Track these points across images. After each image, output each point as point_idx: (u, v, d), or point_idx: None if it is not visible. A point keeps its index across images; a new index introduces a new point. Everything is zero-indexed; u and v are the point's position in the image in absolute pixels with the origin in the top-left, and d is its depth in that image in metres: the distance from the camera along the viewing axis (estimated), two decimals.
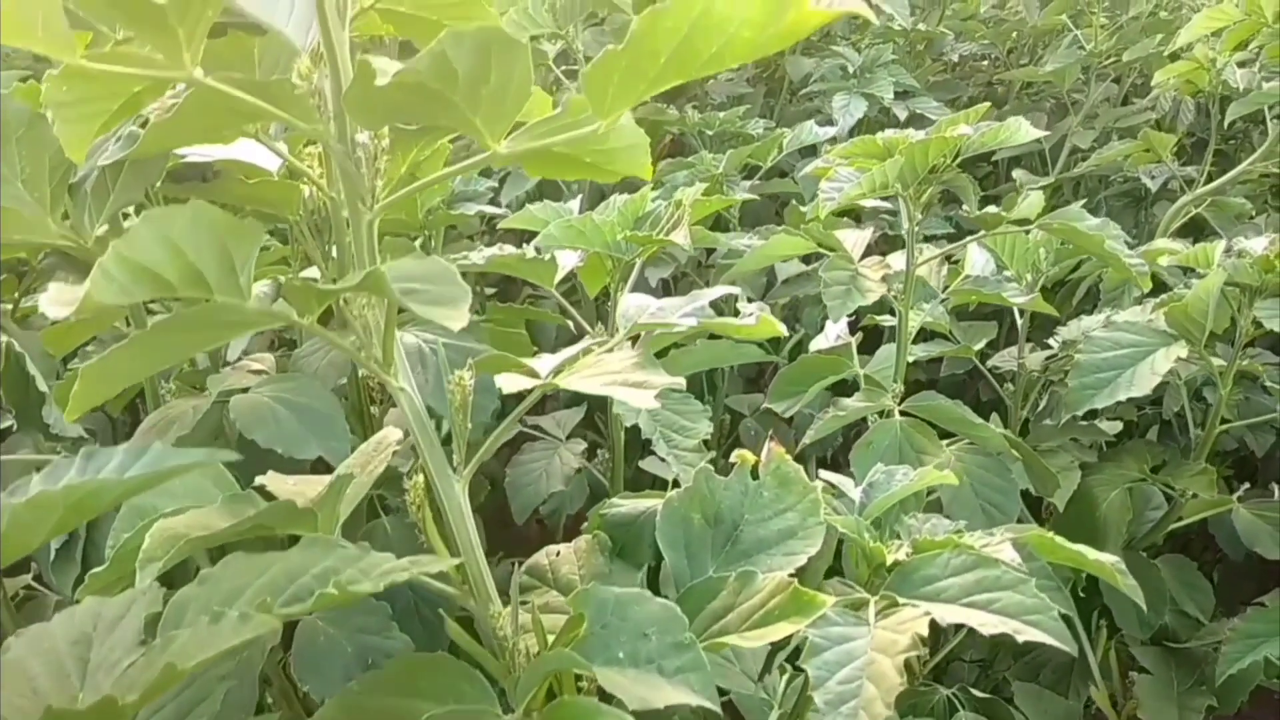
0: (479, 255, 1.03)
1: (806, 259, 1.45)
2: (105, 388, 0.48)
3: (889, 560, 0.58)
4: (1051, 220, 0.97)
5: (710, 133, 1.80)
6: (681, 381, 0.52)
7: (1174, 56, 1.82)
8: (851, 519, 0.63)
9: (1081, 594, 1.24)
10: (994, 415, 1.27)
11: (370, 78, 0.41)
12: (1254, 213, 1.86)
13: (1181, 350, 1.08)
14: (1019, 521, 1.22)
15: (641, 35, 0.43)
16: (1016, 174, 2.09)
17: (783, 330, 0.60)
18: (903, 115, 1.96)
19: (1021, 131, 0.97)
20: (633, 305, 0.62)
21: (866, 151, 0.99)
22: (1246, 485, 1.60)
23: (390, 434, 0.63)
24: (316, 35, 0.55)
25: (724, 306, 1.23)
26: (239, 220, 0.40)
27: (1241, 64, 1.74)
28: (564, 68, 1.92)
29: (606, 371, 0.54)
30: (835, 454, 1.64)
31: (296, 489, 0.60)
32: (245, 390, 0.88)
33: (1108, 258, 0.98)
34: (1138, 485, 1.24)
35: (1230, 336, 1.21)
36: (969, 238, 1.09)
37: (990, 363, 1.44)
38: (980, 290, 1.10)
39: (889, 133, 1.03)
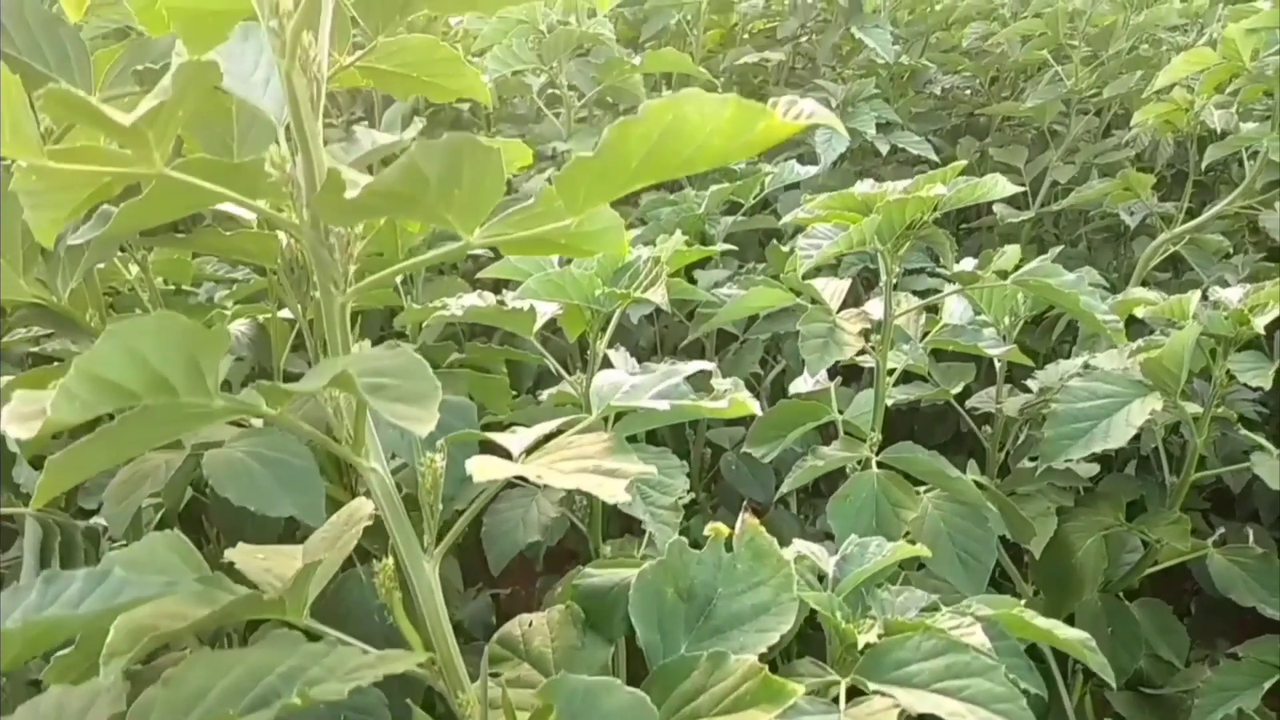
0: (457, 304, 1.03)
1: None
2: (72, 477, 0.48)
3: (860, 643, 0.58)
4: (1027, 277, 0.98)
5: None
6: (653, 470, 0.52)
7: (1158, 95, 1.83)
8: (825, 595, 0.63)
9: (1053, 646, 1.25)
10: (972, 461, 1.27)
11: (339, 190, 0.41)
12: (1231, 249, 1.88)
13: (1156, 402, 1.09)
14: (997, 568, 1.23)
15: (613, 143, 0.43)
16: (997, 208, 2.10)
17: (756, 409, 0.60)
18: (884, 149, 1.97)
19: (998, 188, 0.98)
20: (605, 383, 0.62)
21: (845, 204, 0.99)
22: (1223, 529, 1.61)
23: (362, 507, 0.62)
24: None
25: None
26: (205, 328, 0.40)
27: (1220, 105, 1.76)
28: (550, 92, 1.92)
29: (579, 456, 0.54)
30: (818, 481, 1.64)
31: (266, 564, 0.60)
32: (220, 444, 0.87)
33: (1082, 315, 0.98)
34: (1113, 532, 1.24)
35: (1207, 375, 1.21)
36: (949, 289, 1.09)
37: (969, 403, 1.45)
38: (957, 340, 1.10)
39: (868, 184, 1.04)
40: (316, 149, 0.49)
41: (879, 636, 0.58)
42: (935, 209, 0.94)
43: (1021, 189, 1.20)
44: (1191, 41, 2.32)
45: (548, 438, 0.59)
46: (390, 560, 0.56)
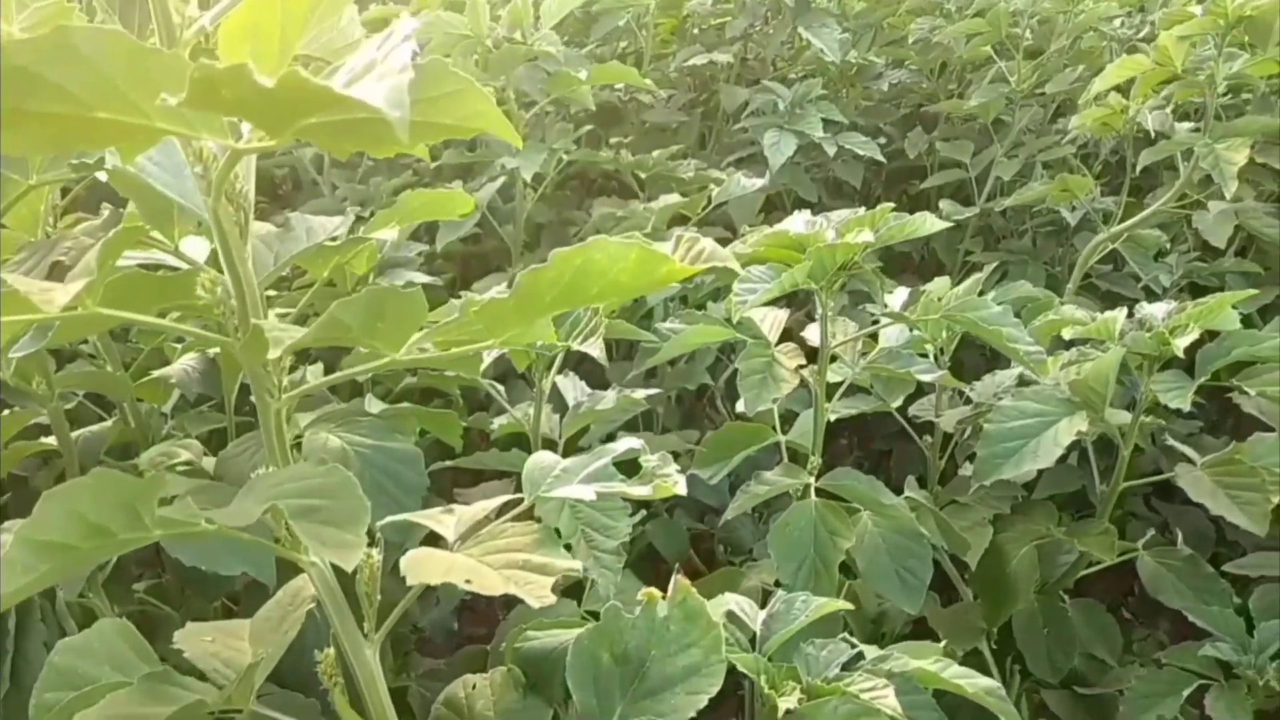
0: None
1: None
2: (23, 596, 0.50)
3: (781, 709, 0.62)
4: (954, 311, 1.02)
5: (644, 175, 1.82)
6: (578, 565, 0.55)
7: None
8: (751, 658, 0.66)
9: (994, 645, 1.30)
10: (911, 478, 1.32)
11: (263, 348, 0.43)
12: (1169, 244, 1.93)
13: (1083, 423, 1.14)
14: (941, 574, 1.28)
15: (527, 287, 0.46)
16: (943, 204, 2.14)
17: (681, 491, 0.63)
18: (832, 150, 2.00)
19: (928, 224, 1.01)
20: (537, 467, 0.65)
21: (780, 243, 1.02)
22: (1162, 515, 1.67)
23: (305, 587, 0.65)
24: None
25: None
26: (139, 479, 0.42)
27: (1155, 107, 1.80)
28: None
29: (509, 549, 0.57)
30: None
31: (213, 648, 0.62)
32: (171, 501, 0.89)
33: (1007, 350, 1.02)
34: (1046, 541, 1.29)
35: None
36: (885, 318, 1.13)
37: (912, 410, 1.49)
38: (891, 368, 1.14)
39: (802, 219, 1.06)
40: (246, 274, 0.51)
41: (799, 702, 0.62)
42: (866, 249, 0.97)
43: (948, 222, 1.20)
44: (1136, 27, 2.36)
45: (481, 523, 0.61)
46: (331, 651, 0.58)
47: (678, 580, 0.71)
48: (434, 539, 0.62)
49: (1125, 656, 1.51)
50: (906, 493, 1.27)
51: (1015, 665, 1.36)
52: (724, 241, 1.80)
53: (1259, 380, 1.15)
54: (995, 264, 1.87)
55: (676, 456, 1.79)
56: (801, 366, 1.03)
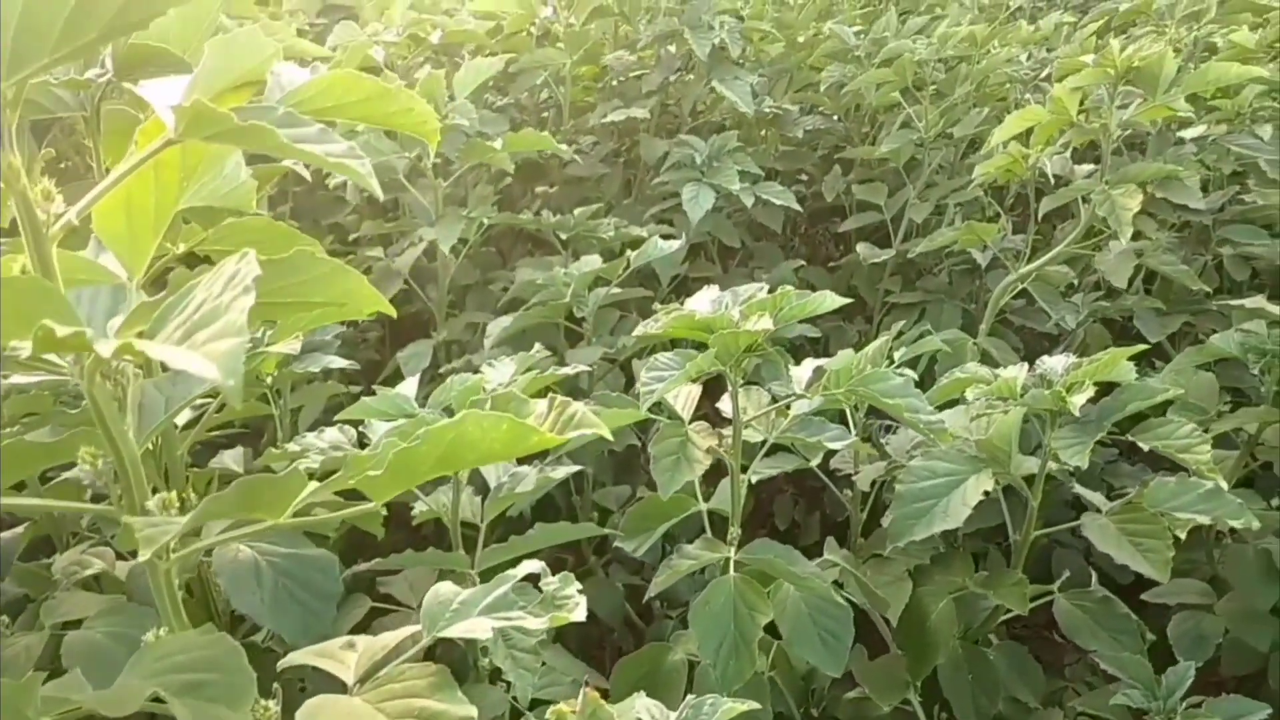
0: (319, 441, 1.05)
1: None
2: None
3: None
4: (857, 386, 1.05)
5: (565, 236, 1.84)
6: (473, 712, 0.56)
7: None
8: None
9: (921, 696, 1.33)
10: (830, 539, 1.35)
11: (140, 545, 0.44)
12: (1076, 281, 2.00)
13: (989, 481, 1.17)
14: (862, 634, 1.31)
15: (401, 462, 0.47)
16: (860, 248, 2.19)
17: (580, 617, 0.65)
18: (749, 201, 2.03)
19: (826, 303, 1.04)
20: (435, 601, 0.66)
21: (688, 324, 1.04)
22: (1068, 574, 1.71)
23: None
24: None
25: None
26: (24, 684, 0.43)
27: (1055, 153, 1.87)
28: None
29: (408, 694, 0.57)
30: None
31: None
32: (79, 622, 0.88)
33: (908, 423, 1.06)
34: (963, 594, 1.33)
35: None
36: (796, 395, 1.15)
37: (834, 463, 1.52)
38: (803, 437, 1.17)
39: (707, 298, 1.09)
40: (129, 450, 0.52)
41: None
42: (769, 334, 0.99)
43: (848, 300, 1.22)
44: (1041, 63, 2.45)
45: (381, 662, 0.62)
46: None
47: (587, 693, 0.72)
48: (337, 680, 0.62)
49: (1058, 683, 1.57)
50: (826, 554, 1.30)
51: (942, 712, 1.39)
52: (647, 300, 1.83)
53: (1152, 435, 1.20)
54: (913, 304, 1.92)
55: (608, 515, 1.80)
56: (716, 445, 1.06)
